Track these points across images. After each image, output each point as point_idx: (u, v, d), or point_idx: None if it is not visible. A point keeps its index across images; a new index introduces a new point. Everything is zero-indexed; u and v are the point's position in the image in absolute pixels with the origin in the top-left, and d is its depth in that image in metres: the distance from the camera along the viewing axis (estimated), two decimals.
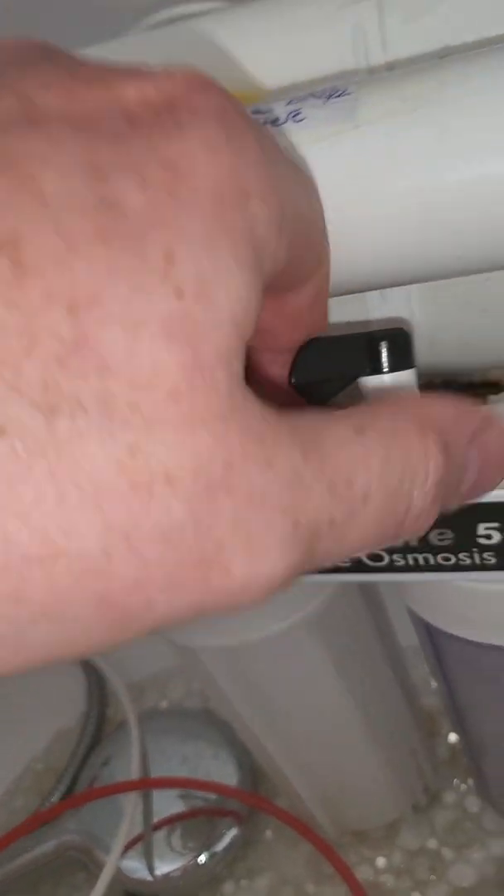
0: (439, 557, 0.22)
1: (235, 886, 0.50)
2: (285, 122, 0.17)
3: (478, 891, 0.46)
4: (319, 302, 0.16)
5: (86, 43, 0.22)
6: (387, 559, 0.23)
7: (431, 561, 0.22)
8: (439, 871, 0.47)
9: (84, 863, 0.50)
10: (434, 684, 0.52)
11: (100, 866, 0.46)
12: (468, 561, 0.22)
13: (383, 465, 0.12)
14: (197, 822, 0.50)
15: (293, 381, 0.17)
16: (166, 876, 0.49)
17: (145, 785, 0.50)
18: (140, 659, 0.58)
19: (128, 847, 0.48)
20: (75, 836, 0.50)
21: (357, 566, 0.23)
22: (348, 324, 0.22)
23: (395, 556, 0.22)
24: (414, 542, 0.22)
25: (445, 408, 0.14)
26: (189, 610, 0.11)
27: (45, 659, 0.10)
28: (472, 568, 0.22)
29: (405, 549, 0.22)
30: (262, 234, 0.11)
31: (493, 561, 0.21)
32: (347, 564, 0.23)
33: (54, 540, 0.09)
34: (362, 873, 0.47)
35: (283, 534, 0.11)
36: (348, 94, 0.17)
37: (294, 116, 0.17)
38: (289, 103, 0.17)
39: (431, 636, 0.31)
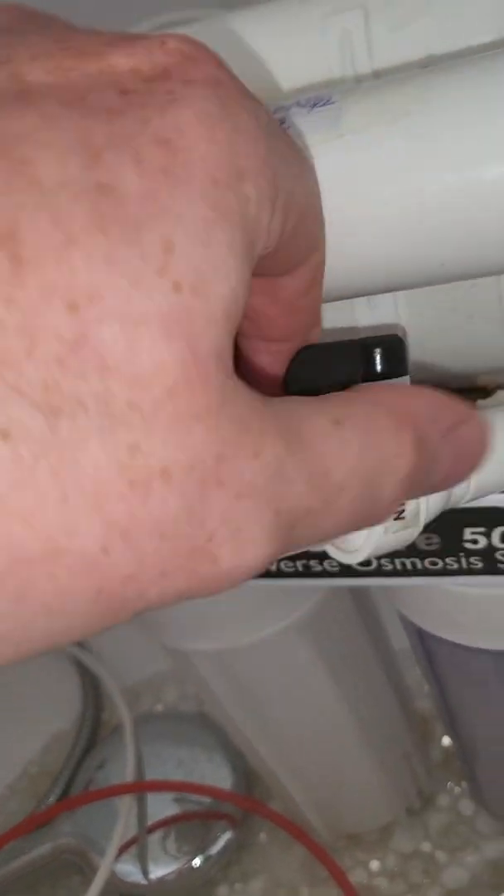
0: (426, 562, 0.22)
1: (230, 890, 0.50)
2: None
3: (471, 894, 0.46)
4: (315, 288, 0.16)
5: None
6: (375, 564, 0.23)
7: (419, 565, 0.22)
8: (433, 874, 0.47)
9: (79, 866, 0.50)
10: (427, 688, 0.52)
11: (94, 869, 0.46)
12: (455, 565, 0.22)
13: (359, 458, 0.12)
14: (191, 826, 0.50)
15: (287, 389, 0.17)
16: (160, 879, 0.49)
17: (140, 788, 0.50)
18: (135, 662, 0.58)
19: (122, 850, 0.48)
20: (70, 839, 0.50)
21: (345, 570, 0.23)
22: (338, 330, 0.22)
23: (382, 561, 0.22)
24: (402, 548, 0.22)
25: (422, 402, 0.14)
26: (176, 596, 0.11)
27: (42, 649, 0.11)
28: (460, 572, 0.22)
29: (393, 554, 0.22)
30: (254, 213, 0.11)
31: (480, 565, 0.22)
32: (336, 569, 0.24)
33: (56, 540, 0.10)
34: (356, 877, 0.48)
35: (266, 524, 0.11)
36: (333, 102, 0.17)
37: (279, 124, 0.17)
38: (274, 111, 0.17)
39: (423, 640, 0.31)
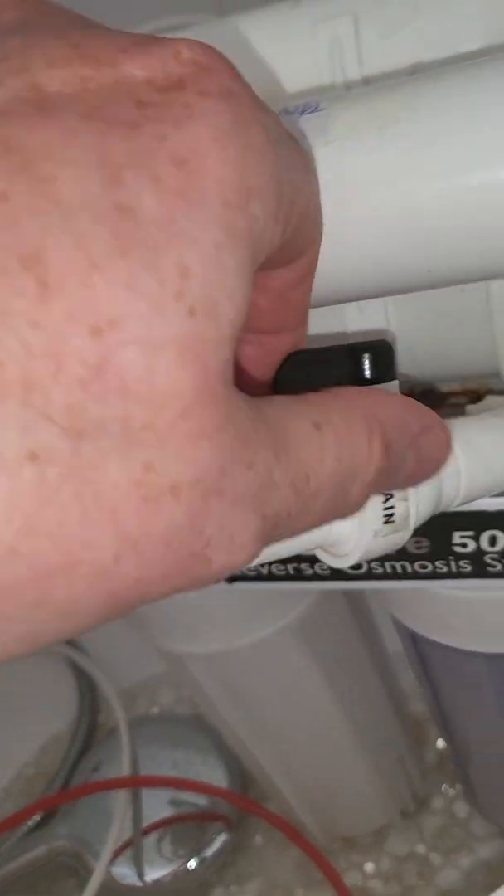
0: (417, 565, 0.22)
1: (225, 892, 0.50)
2: None
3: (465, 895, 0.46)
4: (306, 281, 0.16)
5: None
6: (365, 567, 0.23)
7: (409, 569, 0.22)
8: (427, 876, 0.47)
9: (74, 868, 0.50)
10: (421, 691, 0.52)
11: (90, 872, 0.46)
12: (445, 569, 0.22)
13: (335, 463, 0.13)
14: (186, 828, 0.50)
15: (276, 393, 0.17)
16: (156, 881, 0.49)
17: (135, 783, 0.50)
18: (131, 665, 0.58)
19: (118, 853, 0.48)
20: (65, 841, 0.50)
21: (336, 574, 0.23)
22: (328, 335, 0.22)
23: (373, 565, 0.23)
24: (392, 552, 0.22)
25: (393, 409, 0.15)
26: (171, 593, 0.12)
27: (47, 644, 0.11)
28: (449, 576, 0.22)
29: (383, 558, 0.22)
30: (260, 230, 0.12)
31: (469, 569, 0.22)
32: (327, 572, 0.24)
33: (75, 553, 0.10)
34: (351, 879, 0.48)
35: (254, 528, 0.12)
36: (321, 109, 0.17)
37: None
38: None
39: (415, 643, 0.31)
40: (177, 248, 0.10)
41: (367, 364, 0.17)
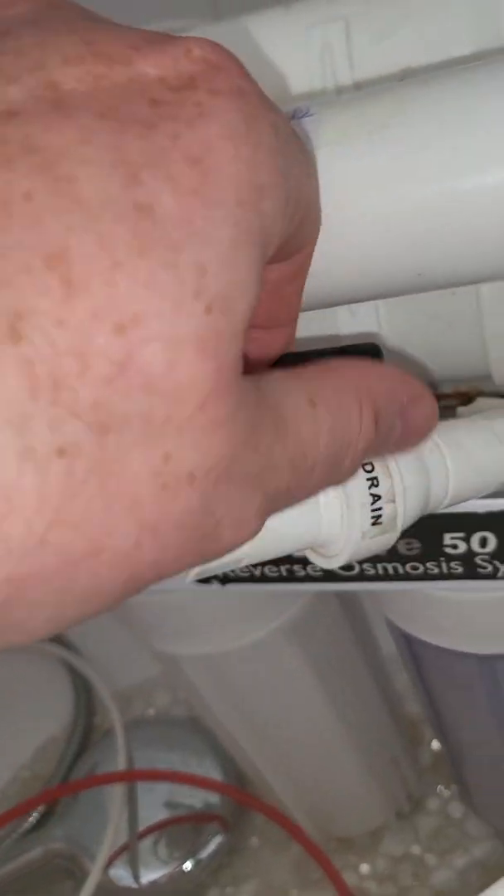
0: (408, 566, 0.22)
1: (221, 893, 0.50)
2: None
3: None
4: (300, 276, 0.16)
5: None
6: (357, 568, 0.23)
7: (401, 570, 0.22)
8: (423, 876, 0.48)
9: (70, 871, 0.50)
10: (415, 692, 0.52)
11: (86, 874, 0.46)
12: (436, 570, 0.22)
13: (329, 438, 0.14)
14: (182, 830, 0.50)
15: None
16: (152, 883, 0.49)
17: (131, 777, 0.50)
18: (127, 667, 0.58)
19: (114, 855, 0.48)
20: (62, 843, 0.50)
21: (329, 575, 0.24)
22: (319, 338, 0.23)
23: (365, 566, 0.23)
24: (383, 553, 0.22)
25: (382, 381, 0.15)
26: (182, 571, 0.12)
27: (69, 626, 0.12)
28: (441, 577, 0.22)
29: (374, 559, 0.22)
30: (269, 227, 0.12)
31: (460, 570, 0.22)
32: (319, 574, 0.24)
33: (98, 541, 0.11)
34: (346, 880, 0.48)
35: (258, 506, 0.13)
36: (311, 114, 0.18)
37: None
38: None
39: (409, 644, 0.31)
40: (194, 247, 0.11)
41: None
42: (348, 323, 0.22)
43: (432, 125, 0.17)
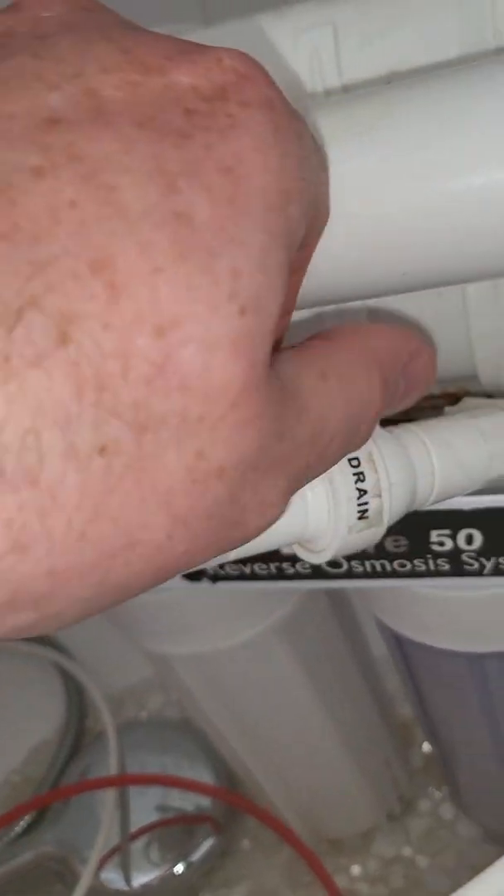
0: (395, 564, 0.22)
1: None
2: None
3: None
4: (303, 269, 0.17)
5: None
6: (346, 566, 0.23)
7: (388, 567, 0.23)
8: (414, 878, 0.48)
9: (61, 874, 0.50)
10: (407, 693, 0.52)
11: (77, 877, 0.46)
12: (423, 567, 0.22)
13: (344, 409, 0.14)
14: (174, 833, 0.50)
15: None
16: (144, 886, 0.49)
17: (122, 782, 0.50)
18: (119, 670, 0.58)
19: (105, 858, 0.48)
20: (53, 847, 0.50)
21: (318, 572, 0.24)
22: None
23: (353, 563, 0.23)
24: (371, 550, 0.23)
25: (385, 342, 0.16)
26: (210, 558, 0.13)
27: (96, 614, 0.12)
28: (428, 574, 0.22)
29: (363, 556, 0.23)
30: (295, 230, 0.13)
31: (447, 567, 0.22)
32: (309, 571, 0.24)
33: (134, 534, 0.11)
34: (337, 882, 0.48)
35: (282, 488, 0.13)
36: None
37: None
38: None
39: (399, 644, 0.32)
40: (229, 252, 0.11)
41: None
42: (336, 324, 0.22)
43: (420, 127, 0.17)
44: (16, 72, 0.11)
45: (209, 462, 0.11)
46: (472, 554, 0.22)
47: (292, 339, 0.17)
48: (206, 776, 0.51)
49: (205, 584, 0.25)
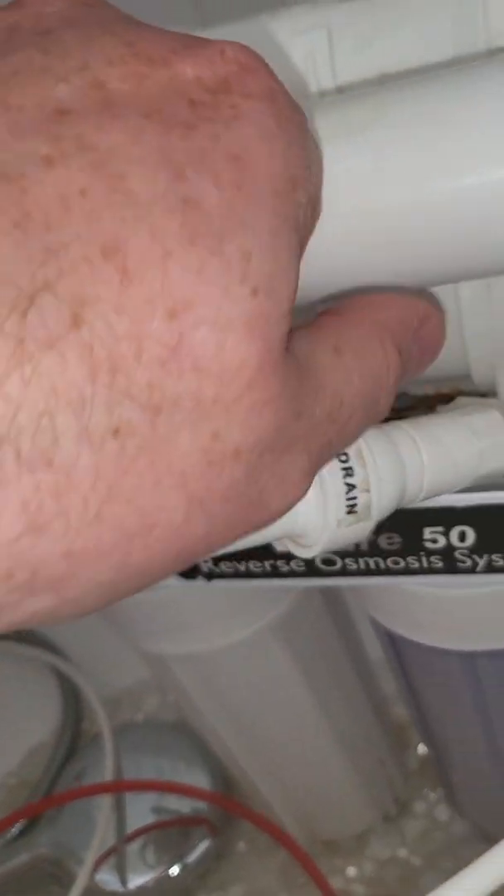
0: (389, 561, 0.23)
1: None
2: None
3: None
4: None
5: None
6: (339, 563, 0.23)
7: (382, 565, 0.23)
8: (410, 880, 0.48)
9: (57, 876, 0.50)
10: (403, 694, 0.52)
11: (73, 879, 0.46)
12: (416, 564, 0.22)
13: (360, 382, 0.14)
14: (170, 835, 0.50)
15: None
16: (139, 888, 0.49)
17: (119, 788, 0.50)
18: (115, 671, 0.58)
19: (101, 860, 0.48)
20: (48, 849, 0.50)
21: (312, 570, 0.24)
22: None
23: (347, 561, 0.23)
24: (365, 547, 0.23)
25: (394, 311, 0.16)
26: (234, 541, 0.13)
27: (119, 601, 0.12)
28: (421, 571, 0.23)
29: (357, 554, 0.23)
30: (303, 216, 0.13)
31: (440, 564, 0.22)
32: (303, 569, 0.24)
33: (151, 516, 0.11)
34: (333, 883, 0.48)
35: (303, 466, 0.13)
36: None
37: None
38: None
39: (393, 643, 0.32)
40: (239, 235, 0.11)
41: None
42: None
43: (413, 128, 0.17)
44: (23, 65, 0.11)
45: (225, 443, 0.11)
46: (465, 551, 0.22)
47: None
48: (201, 777, 0.51)
49: (200, 582, 0.25)
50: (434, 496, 0.18)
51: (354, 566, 0.23)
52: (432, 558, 0.22)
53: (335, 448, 0.14)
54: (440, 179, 0.17)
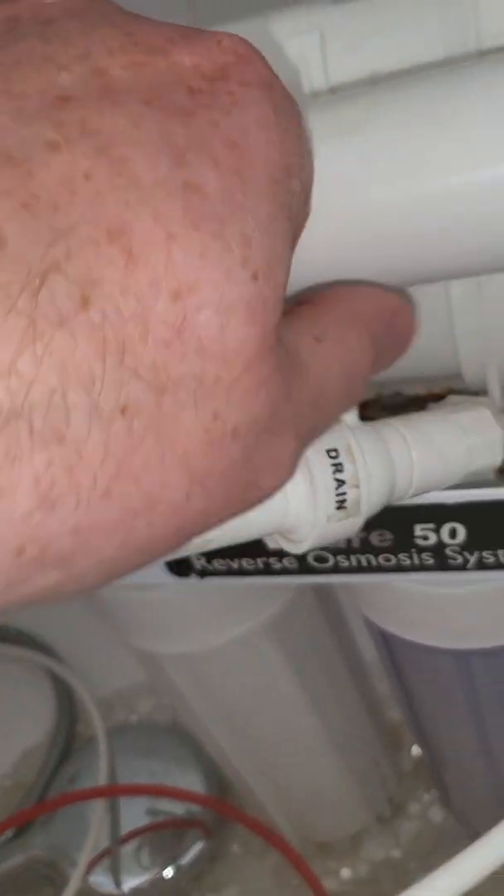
0: (381, 558, 0.23)
1: None
2: None
3: None
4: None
5: None
6: (332, 560, 0.23)
7: (374, 562, 0.23)
8: (404, 881, 0.48)
9: (51, 878, 0.50)
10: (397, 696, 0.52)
11: (66, 881, 0.46)
12: (408, 561, 0.22)
13: (340, 370, 0.15)
14: (164, 836, 0.50)
15: None
16: (133, 890, 0.49)
17: (112, 792, 0.50)
18: (109, 673, 0.58)
19: (95, 861, 0.48)
20: (42, 851, 0.50)
21: (304, 567, 0.24)
22: None
23: (339, 558, 0.23)
24: (356, 544, 0.23)
25: (369, 302, 0.16)
26: (226, 520, 0.13)
27: (122, 577, 0.12)
28: (412, 569, 0.23)
29: (349, 551, 0.23)
30: (297, 204, 0.13)
31: (432, 561, 0.22)
32: (296, 567, 0.24)
33: (154, 493, 0.11)
34: (327, 885, 0.48)
35: (292, 449, 0.14)
36: None
37: None
38: None
39: (386, 642, 0.32)
40: (239, 220, 0.12)
41: None
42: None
43: (404, 128, 0.17)
44: (26, 54, 0.12)
45: (224, 423, 0.12)
46: (456, 548, 0.22)
47: None
48: (195, 779, 0.51)
49: (193, 580, 0.25)
50: (423, 492, 0.19)
51: (346, 563, 0.23)
52: (423, 555, 0.22)
53: (318, 431, 0.15)
54: (430, 179, 0.17)
